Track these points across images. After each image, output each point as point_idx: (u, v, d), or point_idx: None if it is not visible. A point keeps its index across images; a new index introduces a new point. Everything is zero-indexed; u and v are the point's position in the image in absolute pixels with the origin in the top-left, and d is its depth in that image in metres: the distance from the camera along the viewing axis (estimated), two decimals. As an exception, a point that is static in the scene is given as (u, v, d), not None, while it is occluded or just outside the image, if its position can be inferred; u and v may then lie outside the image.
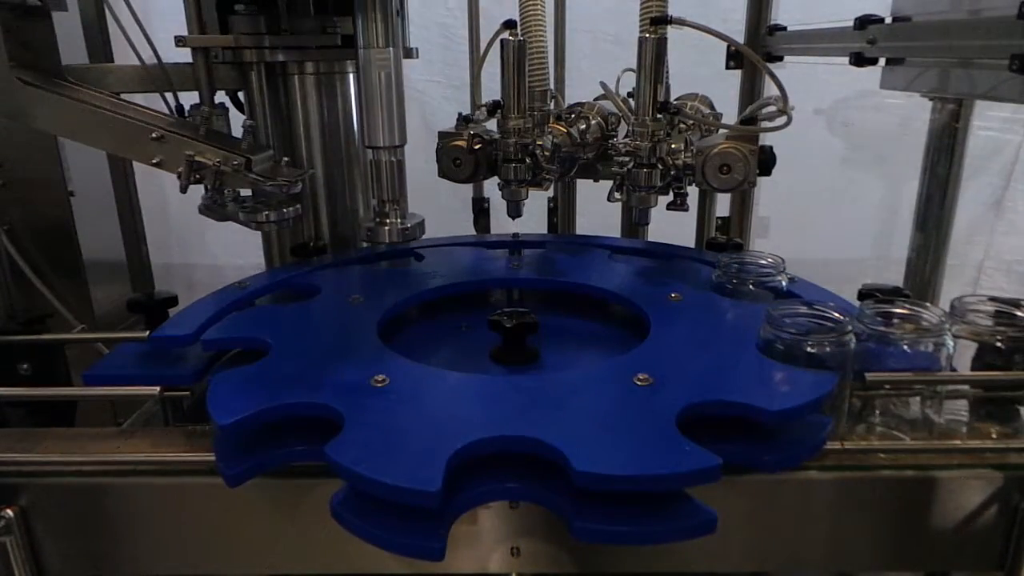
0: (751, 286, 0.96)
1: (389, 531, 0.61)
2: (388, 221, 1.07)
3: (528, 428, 0.64)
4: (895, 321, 0.75)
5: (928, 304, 0.77)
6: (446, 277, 1.08)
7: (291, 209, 1.11)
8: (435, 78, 2.12)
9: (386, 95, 0.99)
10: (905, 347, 0.72)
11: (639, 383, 0.72)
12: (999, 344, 0.76)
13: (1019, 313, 0.78)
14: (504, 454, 0.64)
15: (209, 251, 2.33)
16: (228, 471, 0.67)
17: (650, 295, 0.98)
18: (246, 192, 1.14)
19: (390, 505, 0.60)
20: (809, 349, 0.72)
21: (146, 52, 1.17)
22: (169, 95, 1.16)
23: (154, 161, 1.02)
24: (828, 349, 0.71)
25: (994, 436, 0.77)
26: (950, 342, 0.73)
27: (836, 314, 0.75)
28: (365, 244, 1.15)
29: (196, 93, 1.12)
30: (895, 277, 1.50)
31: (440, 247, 1.23)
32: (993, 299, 0.85)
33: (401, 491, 0.58)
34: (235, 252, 2.22)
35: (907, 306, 0.77)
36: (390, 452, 0.62)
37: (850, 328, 0.73)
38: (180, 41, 1.08)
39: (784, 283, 0.97)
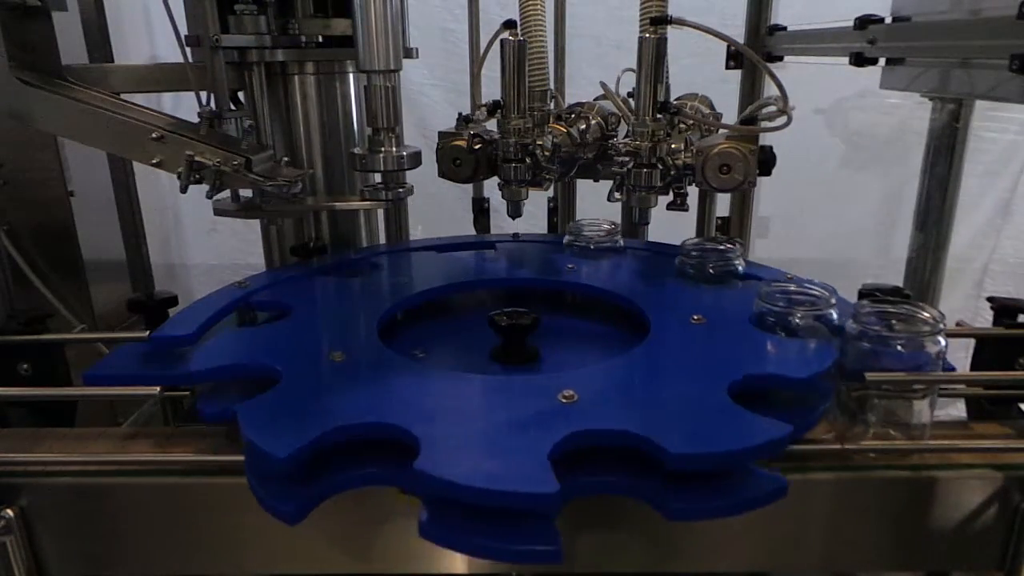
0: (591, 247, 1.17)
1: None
2: (383, 149, 1.03)
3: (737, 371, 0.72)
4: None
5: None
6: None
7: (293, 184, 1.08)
8: (437, 82, 2.12)
9: (382, 15, 0.94)
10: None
11: (695, 322, 0.87)
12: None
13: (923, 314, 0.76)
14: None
15: (209, 251, 2.33)
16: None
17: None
18: (246, 192, 1.14)
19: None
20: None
21: (154, 51, 1.17)
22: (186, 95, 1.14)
23: (154, 161, 1.02)
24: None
25: (994, 436, 0.77)
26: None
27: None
28: (357, 172, 1.11)
29: (191, 93, 1.12)
30: (895, 277, 1.50)
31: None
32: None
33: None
34: (235, 252, 2.23)
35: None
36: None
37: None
38: (216, 39, 1.05)
39: (620, 242, 1.18)
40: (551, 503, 0.56)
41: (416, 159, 1.06)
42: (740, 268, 1.03)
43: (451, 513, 0.60)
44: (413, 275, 1.15)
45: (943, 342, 0.73)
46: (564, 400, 0.68)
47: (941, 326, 0.73)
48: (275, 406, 0.69)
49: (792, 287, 0.86)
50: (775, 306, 0.83)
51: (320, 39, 1.14)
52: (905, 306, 0.76)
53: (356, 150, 1.07)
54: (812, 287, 0.85)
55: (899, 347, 0.72)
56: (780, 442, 0.63)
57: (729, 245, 1.04)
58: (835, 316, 0.81)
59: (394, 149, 1.04)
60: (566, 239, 1.20)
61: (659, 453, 0.60)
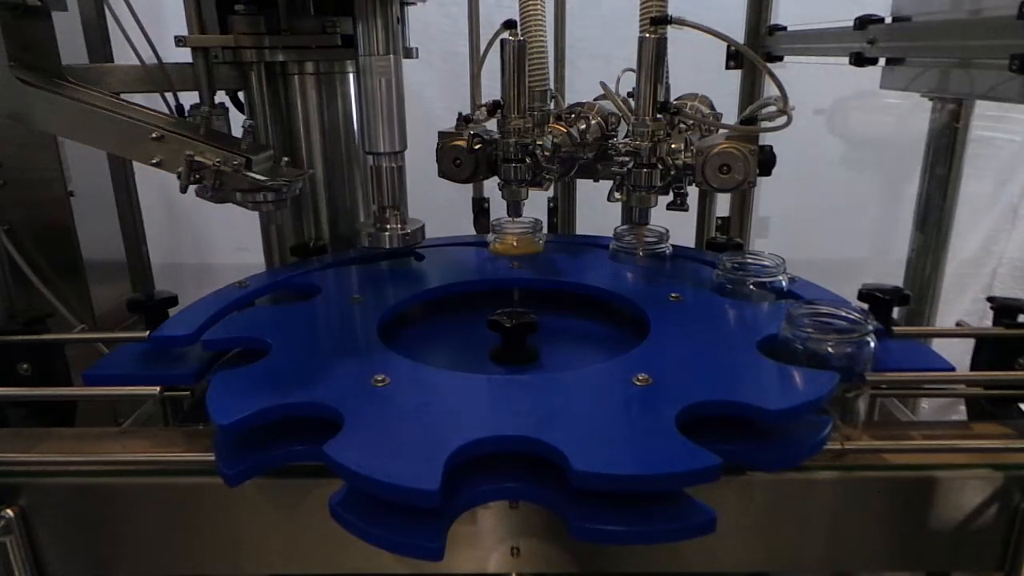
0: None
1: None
2: (389, 227, 1.09)
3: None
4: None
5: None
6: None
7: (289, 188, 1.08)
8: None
9: (386, 101, 1.01)
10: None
11: (674, 299, 0.95)
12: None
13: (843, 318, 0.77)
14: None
15: (209, 251, 2.32)
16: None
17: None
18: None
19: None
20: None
21: (146, 52, 1.17)
22: (169, 95, 1.16)
23: (154, 161, 1.02)
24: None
25: (994, 436, 0.77)
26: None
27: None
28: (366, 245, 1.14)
29: (196, 93, 1.12)
30: (896, 277, 1.50)
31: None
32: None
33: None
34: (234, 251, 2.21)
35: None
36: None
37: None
38: (180, 41, 1.08)
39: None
40: (717, 472, 0.58)
41: (420, 234, 1.11)
42: (668, 251, 1.16)
43: (599, 505, 0.61)
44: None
45: (872, 344, 0.74)
46: (639, 383, 0.71)
47: (870, 327, 0.75)
48: (377, 442, 0.65)
49: (748, 259, 1.00)
50: (733, 275, 0.97)
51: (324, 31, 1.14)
52: (842, 309, 0.78)
53: (363, 227, 1.12)
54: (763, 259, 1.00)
55: (828, 349, 0.73)
56: (831, 392, 0.70)
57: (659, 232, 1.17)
58: (784, 283, 0.97)
59: (399, 227, 1.09)
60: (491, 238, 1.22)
61: (761, 414, 0.66)
